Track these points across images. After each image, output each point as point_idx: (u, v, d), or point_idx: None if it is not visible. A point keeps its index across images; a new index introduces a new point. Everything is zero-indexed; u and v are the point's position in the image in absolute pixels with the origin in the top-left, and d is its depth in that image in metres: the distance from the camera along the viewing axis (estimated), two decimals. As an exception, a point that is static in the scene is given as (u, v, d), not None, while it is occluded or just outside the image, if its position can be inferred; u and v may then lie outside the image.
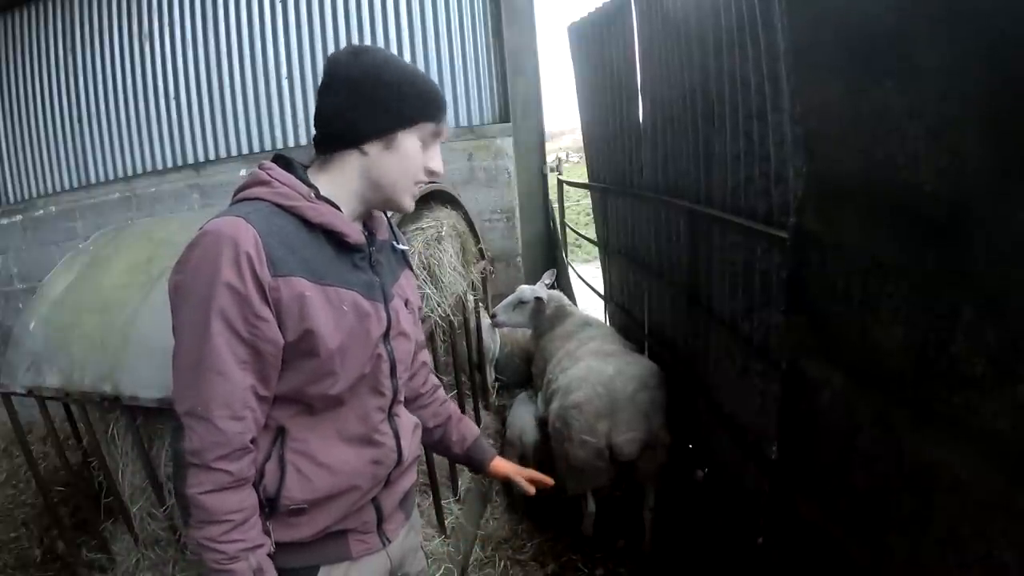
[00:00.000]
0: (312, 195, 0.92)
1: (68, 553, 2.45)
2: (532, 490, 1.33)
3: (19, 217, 4.54)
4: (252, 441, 0.88)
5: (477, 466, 1.33)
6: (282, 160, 0.97)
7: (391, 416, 1.05)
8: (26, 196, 4.65)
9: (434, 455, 2.22)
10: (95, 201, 4.46)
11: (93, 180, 4.54)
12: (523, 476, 1.34)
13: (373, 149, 0.94)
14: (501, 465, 1.34)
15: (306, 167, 0.99)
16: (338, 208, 0.95)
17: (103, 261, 2.26)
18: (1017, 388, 0.76)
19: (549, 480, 1.35)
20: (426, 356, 1.28)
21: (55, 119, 4.51)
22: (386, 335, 1.00)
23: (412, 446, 1.11)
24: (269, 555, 0.90)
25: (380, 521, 1.07)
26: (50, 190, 4.60)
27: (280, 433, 0.94)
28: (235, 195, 0.94)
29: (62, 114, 4.49)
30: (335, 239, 0.93)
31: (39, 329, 2.09)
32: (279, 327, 0.87)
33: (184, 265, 0.85)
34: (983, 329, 0.81)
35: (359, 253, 0.97)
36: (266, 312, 0.85)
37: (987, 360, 0.80)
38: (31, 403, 2.09)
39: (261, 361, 0.86)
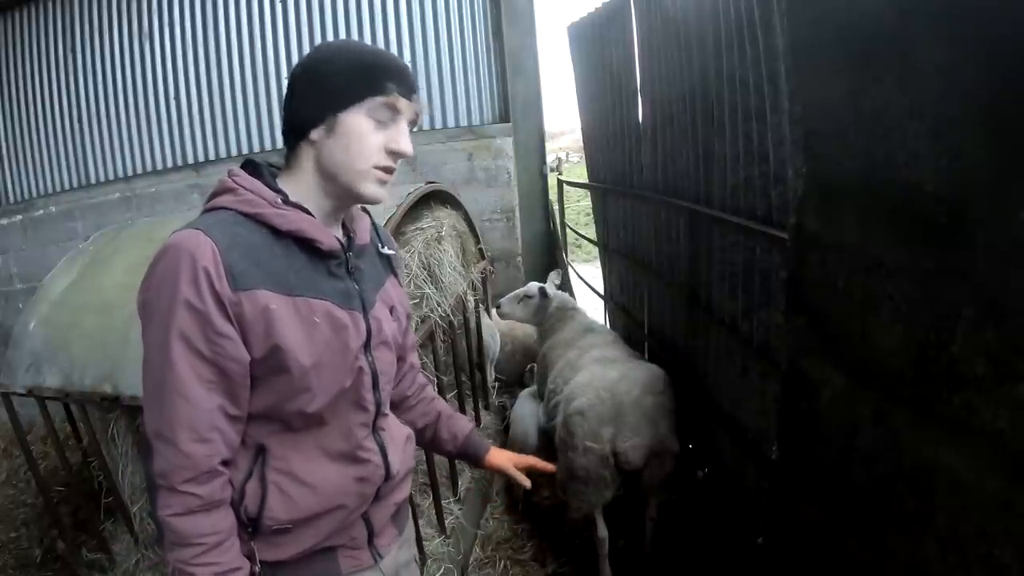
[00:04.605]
0: (279, 200, 0.87)
1: (68, 553, 2.45)
2: (528, 483, 1.30)
3: (19, 217, 4.54)
4: (225, 463, 0.85)
5: (473, 462, 1.31)
6: (250, 165, 0.92)
7: (376, 431, 1.00)
8: (26, 196, 4.65)
9: (434, 455, 2.22)
10: (95, 201, 4.47)
11: (93, 180, 4.54)
12: (522, 465, 1.31)
13: (318, 135, 0.88)
14: (497, 457, 1.30)
15: (280, 170, 0.95)
16: (309, 212, 0.89)
17: (103, 261, 2.26)
18: (1017, 388, 0.76)
19: (550, 467, 1.33)
20: (416, 360, 1.24)
21: (55, 119, 4.51)
22: (367, 346, 0.95)
23: (403, 460, 1.07)
24: None
25: (371, 536, 1.03)
26: (50, 190, 4.60)
27: (260, 451, 0.90)
28: (205, 203, 0.90)
29: (62, 114, 4.50)
30: (307, 246, 0.88)
31: (39, 329, 2.09)
32: (244, 344, 0.83)
33: (148, 282, 0.82)
34: (983, 329, 0.81)
35: (335, 260, 0.92)
36: (228, 329, 0.81)
37: (987, 360, 0.80)
38: (31, 403, 2.09)
39: (227, 380, 0.83)
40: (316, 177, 0.91)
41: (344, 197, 0.93)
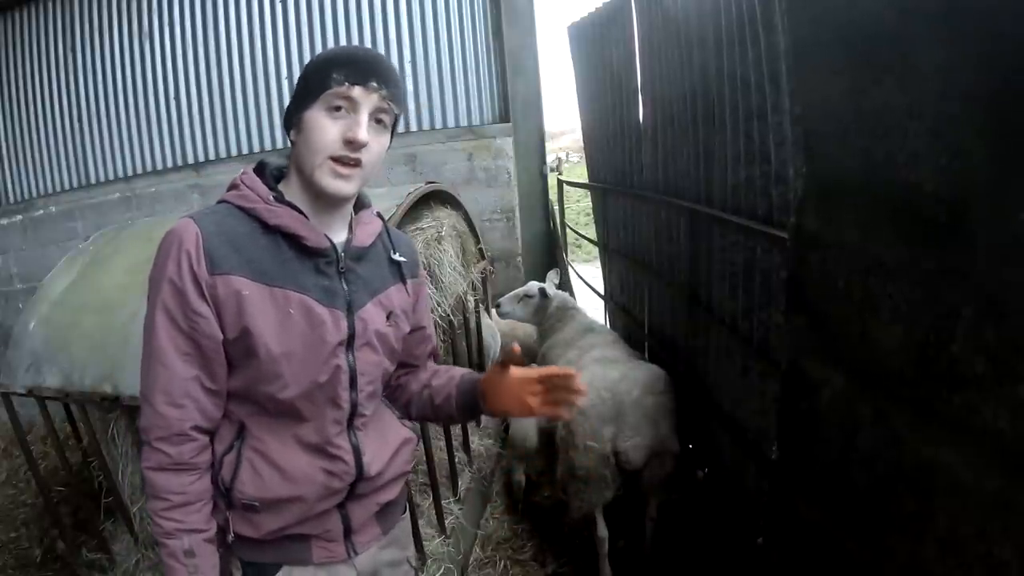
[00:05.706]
0: (271, 197, 0.93)
1: (68, 553, 2.45)
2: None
3: (19, 217, 4.54)
4: (200, 430, 0.92)
5: (471, 392, 1.10)
6: (259, 166, 0.99)
7: (352, 429, 1.01)
8: (26, 196, 4.64)
9: (434, 453, 2.21)
10: (95, 201, 4.46)
11: (93, 180, 4.54)
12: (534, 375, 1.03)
13: (294, 136, 0.94)
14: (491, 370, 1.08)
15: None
16: (301, 212, 0.93)
17: (103, 261, 2.26)
18: (1017, 388, 0.76)
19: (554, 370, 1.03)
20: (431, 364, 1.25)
21: (55, 119, 4.50)
22: (348, 345, 0.97)
23: (389, 463, 1.06)
24: (215, 543, 0.94)
25: (348, 531, 1.04)
26: (50, 190, 4.60)
27: (242, 429, 0.97)
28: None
29: (62, 114, 4.49)
30: (295, 242, 0.93)
31: (39, 329, 2.09)
32: (219, 324, 0.89)
33: (153, 262, 0.92)
34: (983, 328, 0.81)
35: (323, 258, 0.95)
36: (203, 308, 0.88)
37: (987, 359, 0.80)
38: (31, 403, 2.09)
39: (203, 355, 0.90)
40: (296, 176, 0.96)
41: (316, 193, 0.93)
